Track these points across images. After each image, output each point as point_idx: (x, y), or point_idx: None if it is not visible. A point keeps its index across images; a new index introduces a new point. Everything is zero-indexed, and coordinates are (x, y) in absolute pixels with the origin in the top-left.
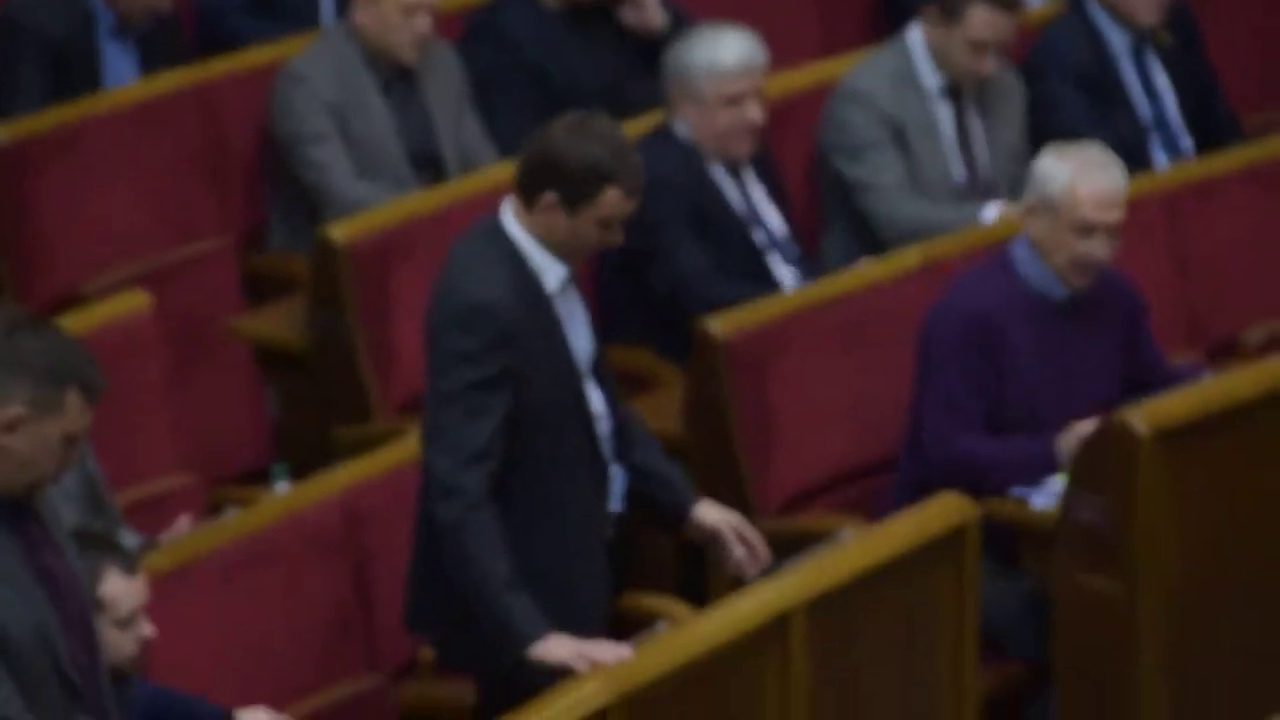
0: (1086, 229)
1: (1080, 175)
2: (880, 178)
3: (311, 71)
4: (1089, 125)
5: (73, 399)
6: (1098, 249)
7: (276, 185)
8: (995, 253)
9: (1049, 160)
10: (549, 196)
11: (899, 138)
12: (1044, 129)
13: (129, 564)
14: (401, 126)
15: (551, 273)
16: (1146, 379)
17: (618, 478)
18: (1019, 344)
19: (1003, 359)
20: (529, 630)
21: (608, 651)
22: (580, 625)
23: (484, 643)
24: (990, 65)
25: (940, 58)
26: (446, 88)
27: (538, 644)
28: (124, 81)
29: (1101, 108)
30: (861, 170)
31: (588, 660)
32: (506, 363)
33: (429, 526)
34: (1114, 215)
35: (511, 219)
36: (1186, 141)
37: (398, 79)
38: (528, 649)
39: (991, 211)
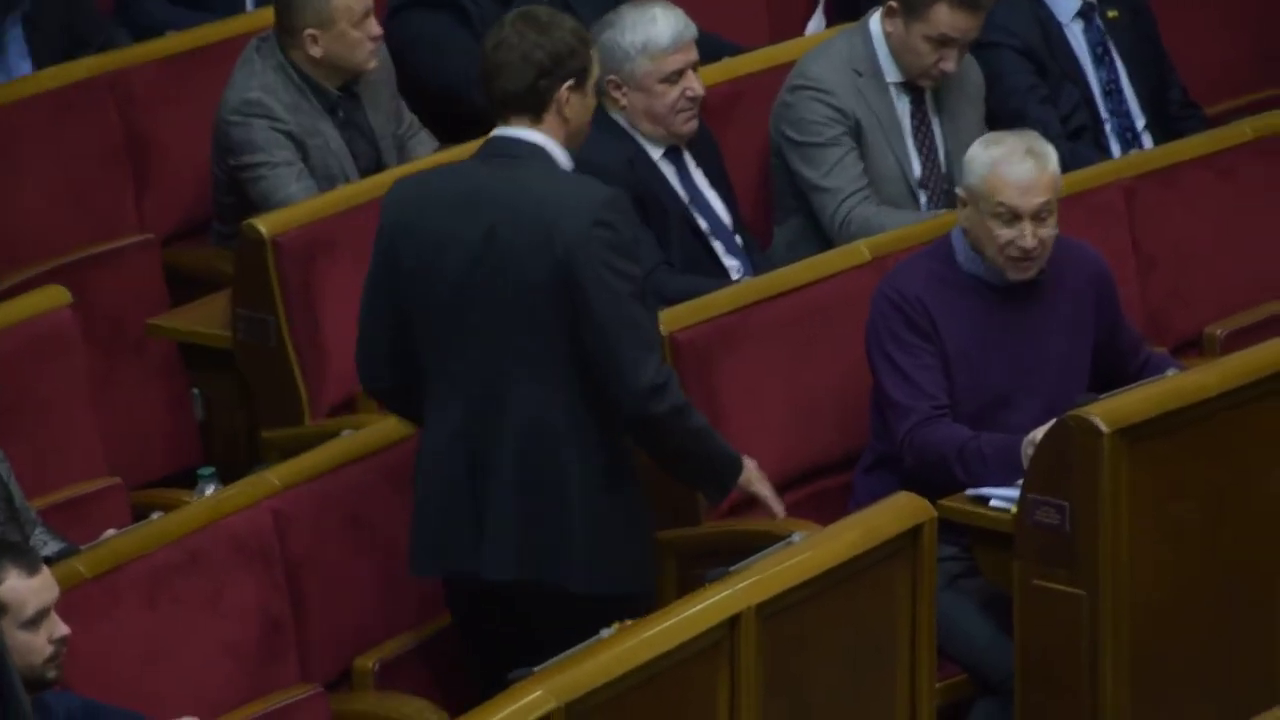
0: (1008, 215)
1: (1001, 161)
2: (833, 180)
3: (270, 103)
4: (1036, 97)
5: None
6: (1024, 238)
7: (222, 192)
8: (937, 240)
9: (976, 148)
10: (566, 86)
11: (856, 133)
12: (991, 103)
13: (28, 563)
14: (351, 149)
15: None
16: (1119, 366)
17: None
18: (958, 330)
19: (940, 342)
20: (738, 456)
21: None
22: None
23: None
24: (951, 64)
25: (899, 53)
26: (382, 90)
27: (745, 468)
28: (16, 71)
29: (1051, 78)
30: (815, 171)
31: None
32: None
33: (595, 464)
34: (1035, 200)
35: (532, 136)
36: (1140, 119)
37: (341, 100)
38: (742, 474)
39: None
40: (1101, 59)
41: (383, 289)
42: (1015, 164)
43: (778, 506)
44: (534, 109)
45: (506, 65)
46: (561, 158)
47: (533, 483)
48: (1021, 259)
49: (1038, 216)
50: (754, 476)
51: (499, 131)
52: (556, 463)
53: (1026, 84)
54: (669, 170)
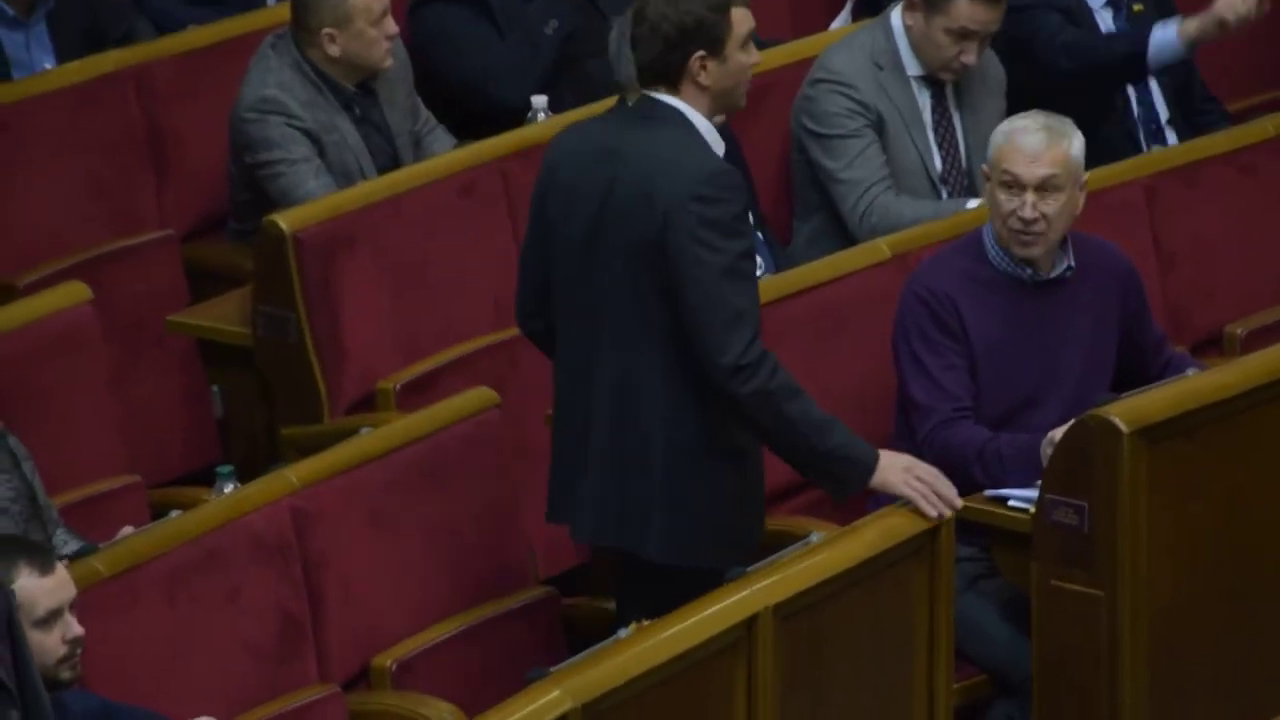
0: (1011, 183)
1: (1016, 131)
2: (854, 171)
3: (285, 100)
4: (1070, 43)
5: None
6: (1024, 207)
7: (239, 190)
8: (967, 235)
9: (1001, 124)
10: (695, 58)
11: (877, 127)
12: (1029, 55)
13: (41, 561)
14: (368, 145)
15: (718, 144)
16: (1143, 365)
17: None
18: (986, 329)
19: (969, 341)
20: (870, 457)
21: (941, 484)
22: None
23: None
24: (971, 57)
25: (920, 46)
26: (398, 88)
27: (879, 470)
28: (39, 66)
29: None
30: (836, 162)
31: (929, 494)
32: (750, 229)
33: (676, 437)
34: (1039, 170)
35: (673, 100)
36: (1165, 113)
37: (357, 97)
38: (873, 476)
39: (973, 204)
40: None
41: (534, 233)
42: (1028, 135)
43: (928, 507)
44: (669, 80)
45: (640, 38)
46: (700, 123)
47: (619, 447)
48: (1021, 231)
49: (1041, 188)
50: (894, 478)
51: (645, 90)
52: (642, 429)
53: (1056, 28)
54: None
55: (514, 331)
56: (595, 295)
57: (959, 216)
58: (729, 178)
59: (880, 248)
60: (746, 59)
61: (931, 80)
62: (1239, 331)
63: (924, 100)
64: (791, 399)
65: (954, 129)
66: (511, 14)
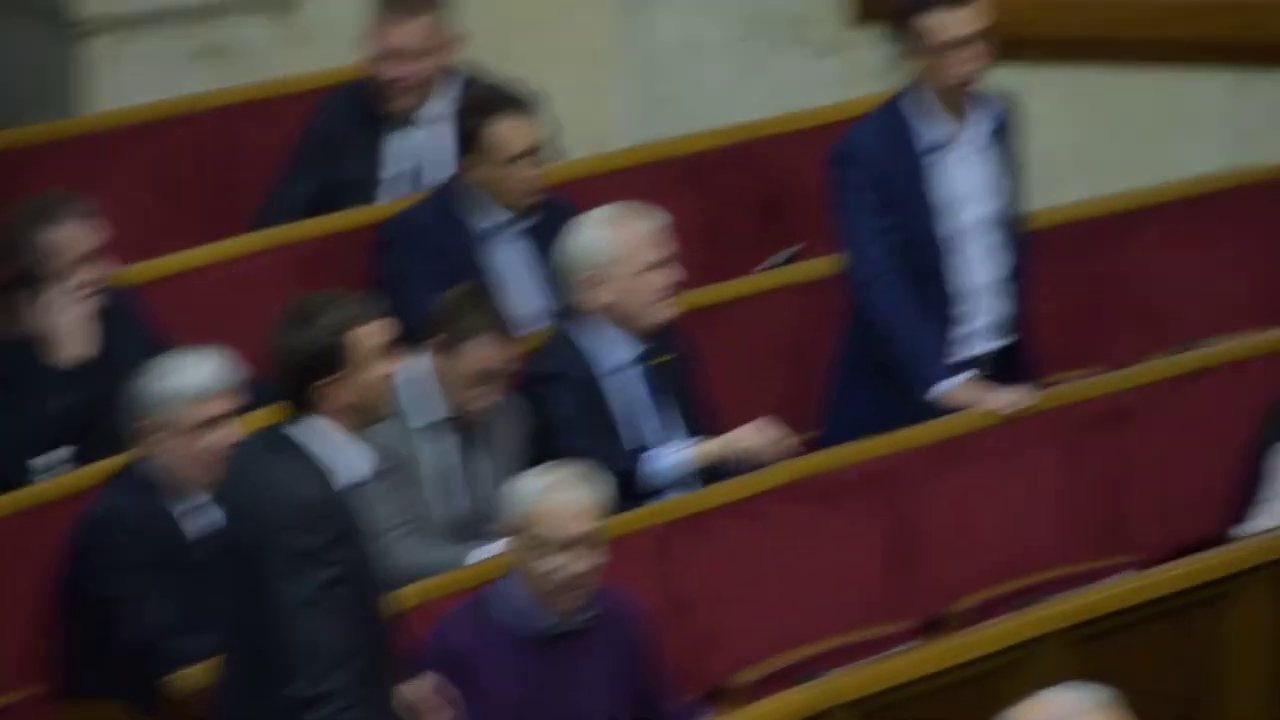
0: (557, 543)
1: (550, 489)
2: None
3: None
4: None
5: None
6: (576, 564)
7: None
8: (474, 591)
9: (521, 480)
10: (322, 382)
11: (402, 471)
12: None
13: None
14: None
15: (358, 461)
16: (651, 716)
17: None
18: (501, 685)
19: (485, 700)
20: None
21: None
22: None
23: None
24: (495, 397)
25: (446, 389)
26: None
27: None
28: None
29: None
30: None
31: None
32: (347, 556)
33: None
34: (583, 526)
35: (305, 425)
36: None
37: None
38: None
39: (488, 550)
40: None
41: None
42: (564, 491)
43: None
44: (305, 403)
45: (275, 368)
46: (329, 445)
47: None
48: (568, 588)
49: (585, 543)
50: None
51: (289, 412)
52: None
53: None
54: (187, 520)
55: None
56: (227, 601)
57: (480, 566)
58: (322, 508)
59: (402, 596)
60: (376, 373)
61: (455, 423)
62: (747, 680)
63: (449, 445)
64: None
65: (474, 472)
66: (25, 385)
